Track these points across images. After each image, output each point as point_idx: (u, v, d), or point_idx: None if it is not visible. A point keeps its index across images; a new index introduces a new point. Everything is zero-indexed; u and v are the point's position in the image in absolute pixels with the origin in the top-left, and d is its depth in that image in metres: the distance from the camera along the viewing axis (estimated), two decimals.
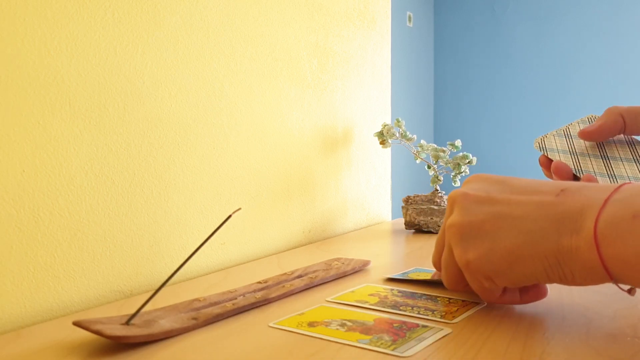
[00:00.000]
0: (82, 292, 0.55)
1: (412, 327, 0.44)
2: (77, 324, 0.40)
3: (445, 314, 0.48)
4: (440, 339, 0.42)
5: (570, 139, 0.52)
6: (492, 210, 0.43)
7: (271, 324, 0.46)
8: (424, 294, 0.54)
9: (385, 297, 0.54)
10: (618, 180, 0.47)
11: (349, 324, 0.46)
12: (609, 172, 0.48)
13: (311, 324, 0.46)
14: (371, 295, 0.55)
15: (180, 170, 0.65)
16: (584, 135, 0.51)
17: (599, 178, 0.47)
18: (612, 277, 0.37)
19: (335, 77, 0.96)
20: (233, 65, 0.73)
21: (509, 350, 0.39)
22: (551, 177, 0.51)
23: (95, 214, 0.56)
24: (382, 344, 0.41)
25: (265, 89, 0.79)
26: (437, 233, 0.91)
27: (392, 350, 0.39)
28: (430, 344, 0.41)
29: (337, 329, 0.44)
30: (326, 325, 0.45)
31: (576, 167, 0.49)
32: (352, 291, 0.56)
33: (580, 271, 0.39)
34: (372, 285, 0.58)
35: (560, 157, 0.50)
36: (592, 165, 0.49)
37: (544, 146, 0.52)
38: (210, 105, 0.69)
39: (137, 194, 0.60)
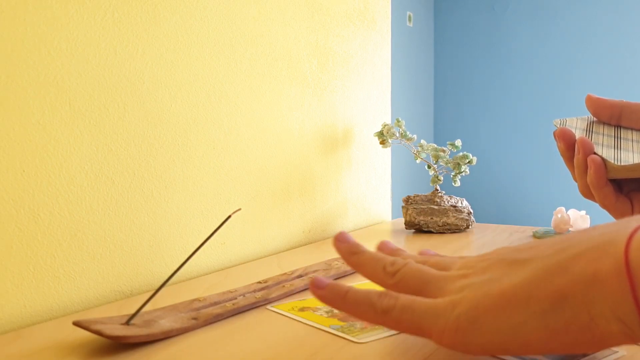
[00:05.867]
0: (82, 292, 0.55)
1: None
2: (77, 324, 0.40)
3: None
4: None
5: (591, 124, 0.53)
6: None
7: (269, 307, 0.50)
8: None
9: None
10: (622, 153, 0.47)
11: (335, 310, 0.48)
12: (615, 145, 0.49)
13: (302, 309, 0.49)
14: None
15: (180, 170, 0.65)
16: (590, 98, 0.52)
17: (604, 149, 0.48)
18: None
19: (335, 77, 0.96)
20: (233, 65, 0.73)
21: None
22: (565, 151, 0.51)
23: (95, 214, 0.56)
24: (349, 330, 0.43)
25: (265, 89, 0.79)
26: (437, 233, 0.91)
27: (353, 336, 0.42)
28: (396, 334, 0.42)
29: (322, 314, 0.47)
30: (313, 311, 0.48)
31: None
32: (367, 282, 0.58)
33: (600, 306, 0.28)
34: None
35: (576, 133, 0.51)
36: (602, 139, 0.50)
37: (564, 123, 0.53)
38: (210, 105, 0.69)
39: (137, 194, 0.60)
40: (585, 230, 0.32)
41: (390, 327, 0.35)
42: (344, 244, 0.41)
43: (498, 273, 0.33)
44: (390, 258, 0.39)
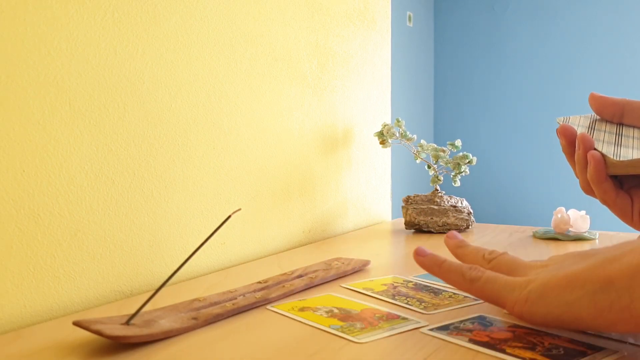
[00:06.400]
0: (82, 292, 0.55)
1: (392, 318, 0.46)
2: (77, 324, 0.40)
3: (431, 305, 0.50)
4: (411, 329, 0.43)
5: (594, 122, 0.53)
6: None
7: (269, 307, 0.50)
8: (438, 288, 0.55)
9: (395, 287, 0.56)
10: (622, 149, 0.48)
11: (335, 311, 0.48)
12: (616, 142, 0.49)
13: (302, 309, 0.49)
14: (384, 284, 0.57)
15: (180, 170, 0.65)
16: (593, 96, 0.54)
17: (604, 145, 0.48)
18: None
19: (335, 77, 0.96)
20: (233, 65, 0.73)
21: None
22: (567, 147, 0.52)
23: (95, 214, 0.56)
24: (349, 330, 0.43)
25: (265, 89, 0.79)
26: (437, 233, 0.91)
27: (353, 336, 0.42)
28: (396, 334, 0.42)
29: (322, 314, 0.47)
30: (313, 311, 0.48)
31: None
32: (372, 280, 0.59)
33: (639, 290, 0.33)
34: (398, 276, 0.61)
35: (578, 130, 0.51)
36: (603, 136, 0.50)
37: (567, 120, 0.54)
38: (210, 105, 0.69)
39: (137, 194, 0.60)
40: None
41: (475, 294, 0.42)
42: (453, 240, 0.51)
43: (569, 263, 0.40)
44: (489, 249, 0.47)
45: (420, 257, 0.46)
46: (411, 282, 0.58)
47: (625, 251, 0.35)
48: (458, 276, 0.43)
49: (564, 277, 0.37)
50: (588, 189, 0.51)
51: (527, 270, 0.42)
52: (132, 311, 0.44)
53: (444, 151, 0.96)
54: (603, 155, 0.48)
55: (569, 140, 0.51)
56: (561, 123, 0.53)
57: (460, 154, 0.95)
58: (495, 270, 0.43)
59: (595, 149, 0.48)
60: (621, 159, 0.47)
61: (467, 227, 0.93)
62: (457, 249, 0.50)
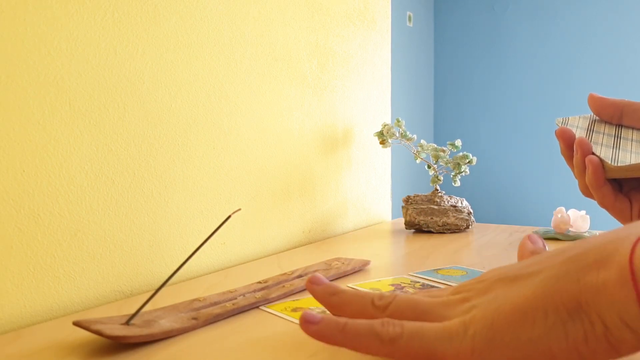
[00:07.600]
0: (82, 292, 0.55)
1: None
2: (77, 324, 0.40)
3: None
4: None
5: (593, 123, 0.53)
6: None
7: (262, 307, 0.50)
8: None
9: (402, 288, 0.56)
10: (620, 152, 0.48)
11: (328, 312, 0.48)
12: (614, 145, 0.49)
13: (295, 310, 0.49)
14: (391, 285, 0.57)
15: (180, 170, 0.65)
16: (592, 97, 0.53)
17: (603, 149, 0.48)
18: None
19: (335, 77, 0.96)
20: (233, 65, 0.73)
21: None
22: (565, 150, 0.52)
23: (95, 214, 0.56)
24: None
25: (265, 89, 0.79)
26: (437, 233, 0.91)
27: None
28: None
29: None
30: None
31: (588, 139, 0.50)
32: (379, 280, 0.59)
33: (610, 314, 0.28)
34: (406, 277, 0.61)
35: (577, 132, 0.51)
36: (602, 139, 0.50)
37: (566, 122, 0.53)
38: (210, 105, 0.69)
39: (137, 194, 0.60)
40: (589, 240, 0.31)
41: (399, 357, 0.32)
42: (320, 286, 0.38)
43: (503, 290, 0.32)
44: (375, 292, 0.37)
45: (313, 326, 0.33)
46: (418, 282, 0.58)
47: (580, 266, 0.29)
48: (371, 338, 0.32)
49: (513, 311, 0.30)
50: (587, 192, 0.51)
51: (444, 310, 0.33)
52: (132, 311, 0.44)
53: (444, 151, 0.96)
54: (601, 160, 0.47)
55: (567, 144, 0.51)
56: (560, 125, 0.53)
57: (460, 154, 0.95)
58: (396, 318, 0.33)
59: (593, 154, 0.48)
60: (619, 163, 0.46)
61: (467, 227, 0.93)
62: (331, 297, 0.37)
